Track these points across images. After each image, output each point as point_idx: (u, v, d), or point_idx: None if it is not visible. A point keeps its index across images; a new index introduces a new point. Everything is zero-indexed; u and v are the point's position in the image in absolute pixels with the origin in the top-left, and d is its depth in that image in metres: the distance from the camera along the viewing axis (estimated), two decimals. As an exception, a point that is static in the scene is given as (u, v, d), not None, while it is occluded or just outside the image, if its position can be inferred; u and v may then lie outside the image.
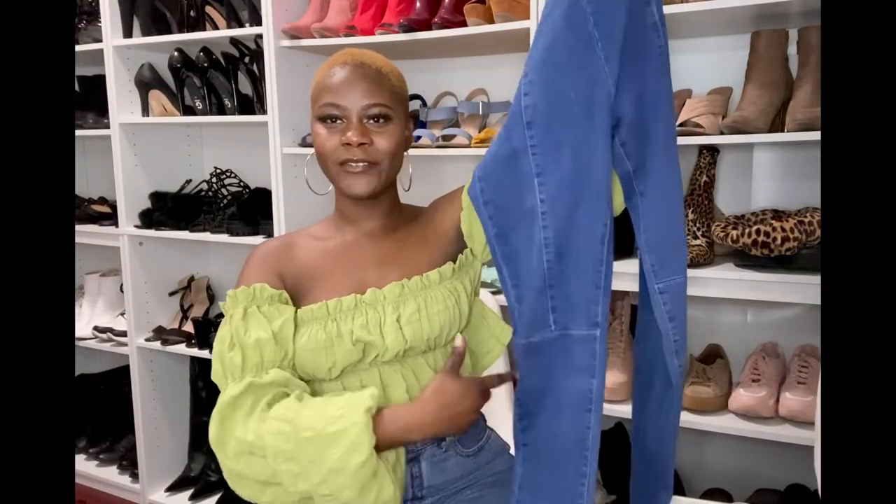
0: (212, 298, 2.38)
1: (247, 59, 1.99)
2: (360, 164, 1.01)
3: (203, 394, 2.26)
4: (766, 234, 1.42)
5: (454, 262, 1.09)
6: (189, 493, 2.23)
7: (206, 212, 2.14)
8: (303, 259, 1.07)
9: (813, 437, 1.32)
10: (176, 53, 2.06)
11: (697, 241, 1.57)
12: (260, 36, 1.89)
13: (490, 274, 1.74)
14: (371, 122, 1.02)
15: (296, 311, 1.03)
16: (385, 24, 1.75)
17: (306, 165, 1.13)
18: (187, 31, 2.06)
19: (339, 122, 1.02)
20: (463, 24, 1.68)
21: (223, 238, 2.03)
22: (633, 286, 1.61)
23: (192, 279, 2.37)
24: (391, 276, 1.05)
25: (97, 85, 2.27)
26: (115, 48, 2.13)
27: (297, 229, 1.15)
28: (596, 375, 0.95)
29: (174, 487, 2.28)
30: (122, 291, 2.30)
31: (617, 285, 1.61)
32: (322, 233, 1.11)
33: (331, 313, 1.02)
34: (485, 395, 1.02)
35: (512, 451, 1.08)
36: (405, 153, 1.08)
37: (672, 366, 1.00)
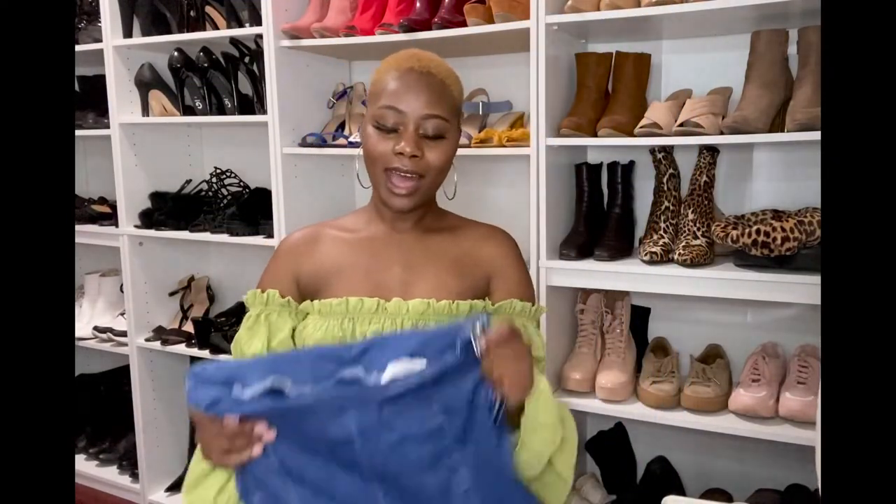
0: (212, 298, 2.38)
1: (247, 59, 1.99)
2: (408, 176, 1.00)
3: (203, 394, 2.26)
4: (766, 234, 1.41)
5: (484, 301, 1.07)
6: (189, 493, 2.23)
7: (207, 212, 2.14)
8: (326, 253, 1.08)
9: (813, 437, 1.32)
10: (176, 53, 2.07)
11: (697, 241, 1.57)
12: (260, 36, 1.89)
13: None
14: (427, 136, 1.01)
15: (315, 302, 1.04)
16: (385, 24, 1.76)
17: (357, 160, 1.10)
18: (187, 31, 2.06)
19: (394, 129, 1.00)
20: (463, 24, 1.68)
21: (223, 238, 2.03)
22: (633, 286, 1.61)
23: (192, 279, 2.37)
24: (416, 285, 1.04)
25: (97, 85, 2.27)
26: (115, 48, 2.13)
27: (328, 220, 1.14)
28: None
29: (174, 487, 2.28)
30: (122, 291, 2.30)
31: (617, 285, 1.63)
32: (352, 225, 1.11)
33: (350, 311, 1.02)
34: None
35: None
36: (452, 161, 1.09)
37: None
